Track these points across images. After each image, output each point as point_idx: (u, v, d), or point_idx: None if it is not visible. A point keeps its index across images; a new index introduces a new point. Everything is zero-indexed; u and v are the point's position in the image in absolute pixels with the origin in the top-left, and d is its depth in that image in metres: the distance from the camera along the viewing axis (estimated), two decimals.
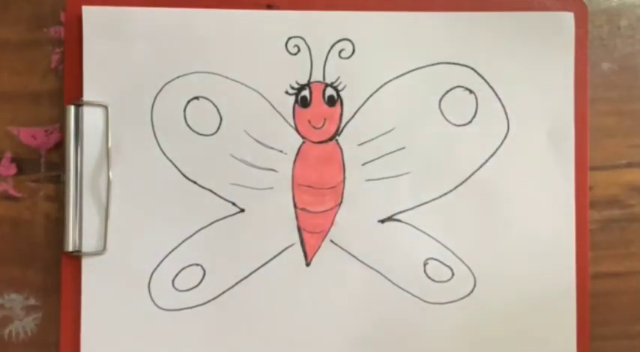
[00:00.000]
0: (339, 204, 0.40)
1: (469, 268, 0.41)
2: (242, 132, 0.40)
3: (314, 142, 0.41)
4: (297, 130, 0.40)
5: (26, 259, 0.40)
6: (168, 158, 0.40)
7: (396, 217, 0.41)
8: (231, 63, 0.40)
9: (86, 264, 0.39)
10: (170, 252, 0.40)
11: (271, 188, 0.40)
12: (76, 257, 0.39)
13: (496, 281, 0.41)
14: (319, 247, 0.40)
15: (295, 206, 0.40)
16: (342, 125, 0.41)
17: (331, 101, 0.41)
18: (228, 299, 0.40)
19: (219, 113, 0.40)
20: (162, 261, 0.40)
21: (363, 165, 0.41)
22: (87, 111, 0.40)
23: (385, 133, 0.41)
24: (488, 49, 0.41)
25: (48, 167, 0.40)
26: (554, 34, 0.41)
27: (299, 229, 0.40)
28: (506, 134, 0.41)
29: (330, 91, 0.41)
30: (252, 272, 0.40)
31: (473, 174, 0.41)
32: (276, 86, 0.40)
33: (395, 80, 0.41)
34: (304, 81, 0.40)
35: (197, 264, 0.40)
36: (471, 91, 0.41)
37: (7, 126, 0.40)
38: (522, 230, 0.41)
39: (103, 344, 0.39)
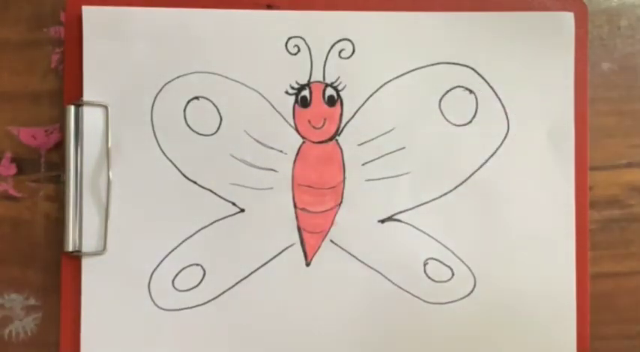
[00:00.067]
0: (339, 204, 0.40)
1: (469, 268, 0.41)
2: (242, 132, 0.40)
3: (314, 142, 0.41)
4: (297, 130, 0.40)
5: (26, 259, 0.40)
6: (168, 158, 0.40)
7: (396, 217, 0.41)
8: (231, 63, 0.40)
9: (86, 264, 0.39)
10: (170, 252, 0.40)
11: (271, 188, 0.40)
12: (76, 257, 0.39)
13: (496, 281, 0.40)
14: (319, 247, 0.40)
15: (295, 206, 0.40)
16: (342, 125, 0.41)
17: (331, 101, 0.41)
18: (228, 299, 0.40)
19: (219, 113, 0.40)
20: (162, 261, 0.40)
21: (363, 165, 0.41)
22: (87, 111, 0.40)
23: (385, 133, 0.41)
24: (488, 49, 0.41)
25: (48, 167, 0.40)
26: (554, 34, 0.41)
27: (299, 229, 0.40)
28: (506, 134, 0.41)
29: (330, 91, 0.41)
30: (252, 272, 0.40)
31: (473, 174, 0.41)
32: (276, 86, 0.40)
33: (395, 80, 0.41)
34: (304, 81, 0.40)
35: (197, 264, 0.40)
36: (471, 91, 0.41)
37: (7, 126, 0.40)
38: (522, 230, 0.41)
39: (103, 344, 0.39)
